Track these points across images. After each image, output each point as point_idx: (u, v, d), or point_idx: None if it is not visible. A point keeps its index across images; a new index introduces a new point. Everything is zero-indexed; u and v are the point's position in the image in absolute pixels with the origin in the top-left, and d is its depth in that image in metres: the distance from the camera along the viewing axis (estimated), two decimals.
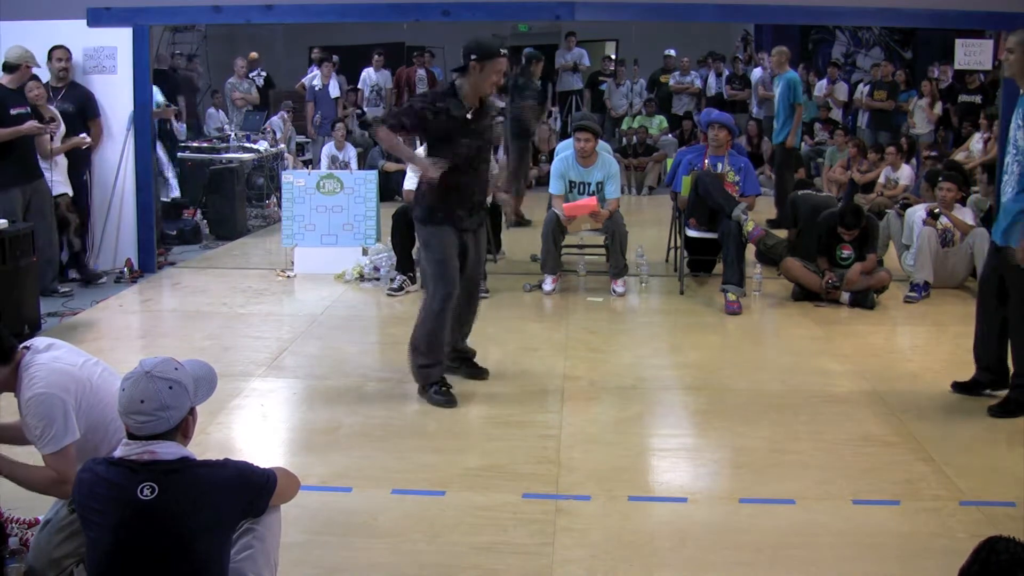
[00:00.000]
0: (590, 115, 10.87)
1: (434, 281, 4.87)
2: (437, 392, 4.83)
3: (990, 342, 4.84)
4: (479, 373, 5.19)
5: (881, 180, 9.90)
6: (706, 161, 7.29)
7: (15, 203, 6.65)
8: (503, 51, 4.83)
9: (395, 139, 4.84)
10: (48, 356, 2.96)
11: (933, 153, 10.52)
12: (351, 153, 11.10)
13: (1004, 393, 4.78)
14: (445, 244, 4.82)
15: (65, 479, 2.84)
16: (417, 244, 7.30)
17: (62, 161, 7.40)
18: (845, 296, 6.82)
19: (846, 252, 6.94)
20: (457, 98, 4.74)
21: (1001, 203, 4.70)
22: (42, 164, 7.13)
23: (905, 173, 9.87)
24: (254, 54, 12.95)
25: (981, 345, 4.91)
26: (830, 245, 6.98)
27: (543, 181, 10.41)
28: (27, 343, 3.02)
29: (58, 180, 7.31)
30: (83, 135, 7.49)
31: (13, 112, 6.69)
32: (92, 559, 2.47)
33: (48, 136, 7.10)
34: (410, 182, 7.36)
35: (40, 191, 6.91)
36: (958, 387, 5.01)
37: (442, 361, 4.91)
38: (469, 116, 4.76)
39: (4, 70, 6.84)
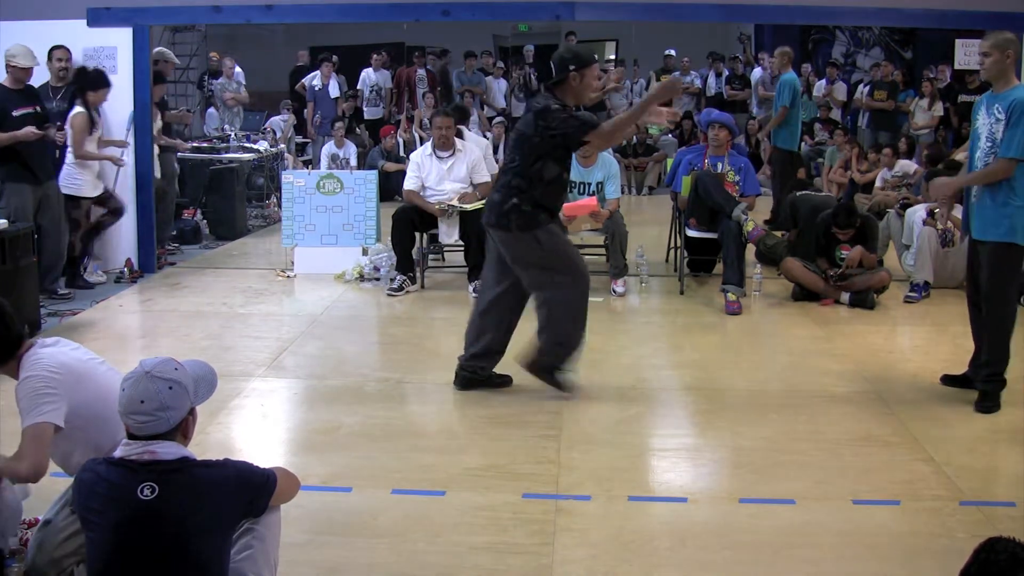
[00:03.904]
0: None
1: (569, 274, 4.78)
2: (496, 378, 4.96)
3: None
4: (502, 381, 5.08)
5: (878, 183, 9.89)
6: (706, 161, 7.29)
7: (26, 199, 6.66)
8: (596, 55, 4.81)
9: (612, 122, 4.71)
10: (53, 349, 3.02)
11: (931, 152, 10.49)
12: (351, 150, 11.13)
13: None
14: (562, 238, 4.81)
15: (32, 458, 2.84)
16: (419, 244, 7.41)
17: (93, 163, 7.43)
18: (845, 296, 6.82)
19: (845, 252, 6.93)
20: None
21: (973, 197, 4.74)
22: (71, 163, 7.23)
23: (905, 163, 9.86)
24: (215, 54, 12.94)
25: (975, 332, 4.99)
26: (828, 246, 6.98)
27: None
28: (33, 340, 3.08)
29: (86, 180, 7.36)
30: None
31: (16, 114, 6.63)
32: (92, 559, 2.47)
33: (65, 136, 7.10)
34: (410, 182, 7.38)
35: (51, 194, 6.91)
36: (948, 380, 5.06)
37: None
38: None
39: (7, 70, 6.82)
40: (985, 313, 4.76)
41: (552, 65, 4.70)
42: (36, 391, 2.90)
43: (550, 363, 4.88)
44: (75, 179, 7.31)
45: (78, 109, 7.25)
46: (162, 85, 8.78)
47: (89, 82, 7.27)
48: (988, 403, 4.70)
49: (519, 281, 4.83)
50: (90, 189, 7.40)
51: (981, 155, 4.66)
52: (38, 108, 6.84)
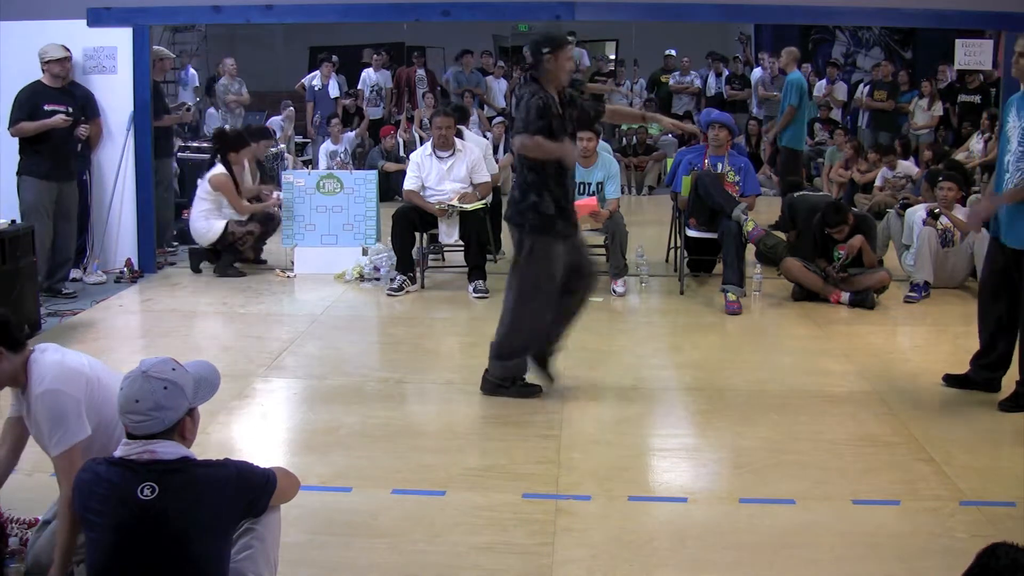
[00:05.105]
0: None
1: (539, 296, 4.72)
2: (522, 386, 4.89)
3: (987, 329, 4.90)
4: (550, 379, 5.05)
5: (878, 183, 9.89)
6: (706, 161, 7.29)
7: (41, 195, 6.79)
8: (570, 37, 4.81)
9: (539, 142, 4.60)
10: (56, 357, 2.99)
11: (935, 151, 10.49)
12: (348, 138, 11.19)
13: (995, 394, 4.83)
14: (556, 262, 4.71)
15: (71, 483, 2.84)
16: (419, 244, 7.41)
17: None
18: (845, 296, 6.82)
19: (842, 252, 6.92)
20: (548, 93, 4.68)
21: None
22: (197, 219, 7.62)
23: (906, 166, 9.85)
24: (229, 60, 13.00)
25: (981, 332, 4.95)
26: (826, 247, 6.96)
27: None
28: (32, 347, 3.05)
29: (215, 224, 7.70)
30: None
31: (47, 108, 6.83)
32: (92, 559, 2.47)
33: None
34: (410, 182, 7.37)
35: (68, 193, 7.03)
36: (950, 380, 5.05)
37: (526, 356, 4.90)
38: (561, 111, 4.73)
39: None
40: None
41: (528, 51, 4.72)
42: (59, 411, 2.87)
43: (503, 357, 4.85)
44: (203, 232, 7.70)
45: (219, 170, 7.61)
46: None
47: (229, 143, 7.68)
48: (1017, 403, 4.66)
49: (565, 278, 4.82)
50: (222, 223, 7.70)
51: (1013, 158, 4.57)
52: (70, 109, 7.00)
